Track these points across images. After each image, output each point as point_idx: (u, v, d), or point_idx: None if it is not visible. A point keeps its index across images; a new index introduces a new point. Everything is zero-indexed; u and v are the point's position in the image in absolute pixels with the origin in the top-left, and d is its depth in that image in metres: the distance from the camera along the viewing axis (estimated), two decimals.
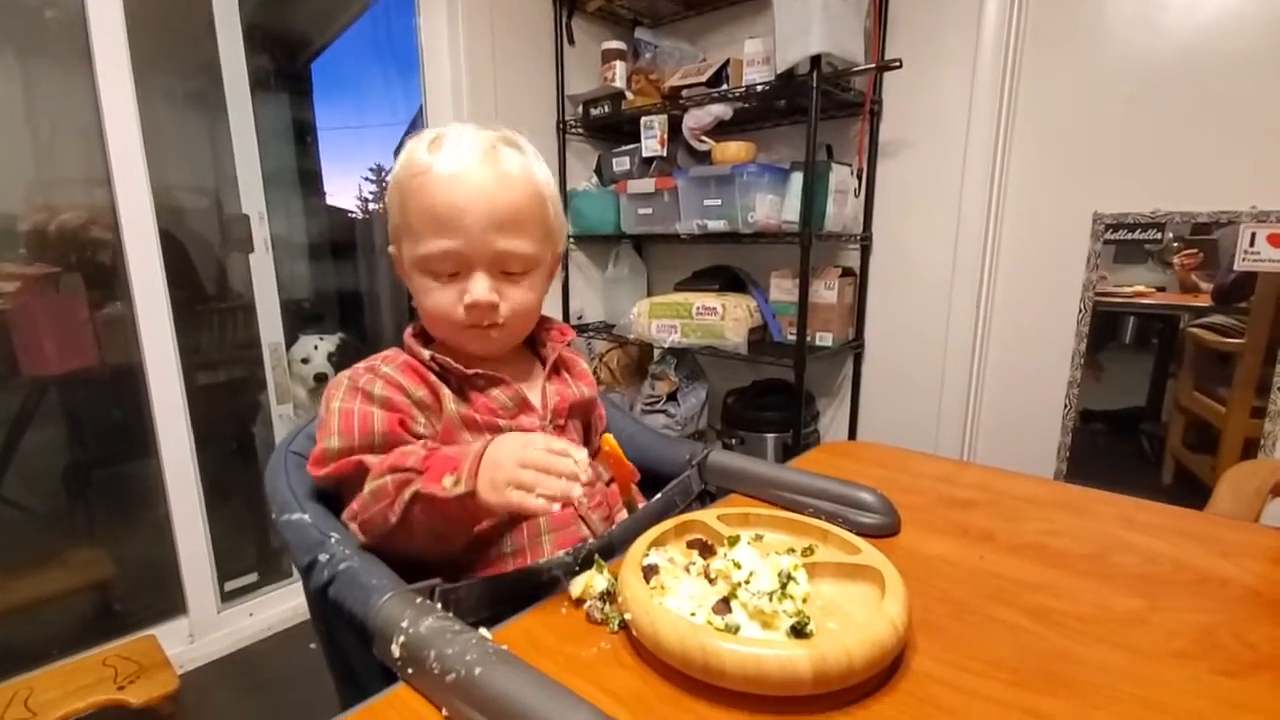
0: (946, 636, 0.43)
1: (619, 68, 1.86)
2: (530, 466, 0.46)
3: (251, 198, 1.59)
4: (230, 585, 1.59)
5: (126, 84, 1.29)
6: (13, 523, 1.45)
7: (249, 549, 1.67)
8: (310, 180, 2.03)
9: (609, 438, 0.62)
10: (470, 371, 0.61)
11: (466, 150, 0.58)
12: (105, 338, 1.45)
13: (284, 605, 1.63)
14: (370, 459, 0.53)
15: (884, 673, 0.39)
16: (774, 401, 1.79)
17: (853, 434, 1.85)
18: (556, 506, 0.45)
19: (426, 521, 0.50)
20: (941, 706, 0.37)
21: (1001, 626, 0.44)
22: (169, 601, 1.50)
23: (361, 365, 0.60)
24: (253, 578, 1.64)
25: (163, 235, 1.38)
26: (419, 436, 0.58)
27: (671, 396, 1.85)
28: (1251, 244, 1.33)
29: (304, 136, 2.00)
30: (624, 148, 1.87)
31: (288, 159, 1.95)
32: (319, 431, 0.56)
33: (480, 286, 0.58)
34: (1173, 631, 0.44)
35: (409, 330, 0.64)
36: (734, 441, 1.77)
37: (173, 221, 1.52)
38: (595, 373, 2.05)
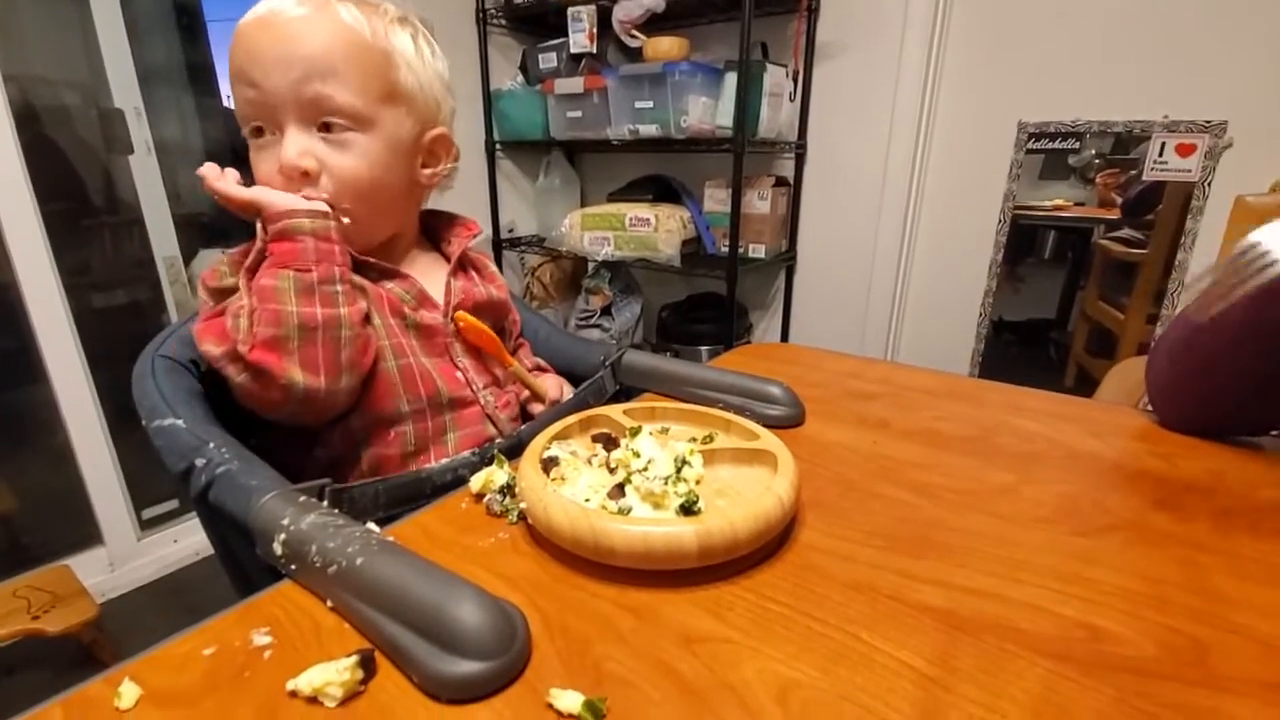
0: (832, 512, 0.45)
1: None
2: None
3: (124, 91, 1.41)
4: (149, 513, 1.54)
5: None
6: None
7: (166, 475, 1.60)
8: (203, 76, 1.81)
9: (462, 313, 0.60)
10: (360, 258, 0.56)
11: None
12: None
13: None
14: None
15: (771, 545, 0.41)
16: (708, 315, 1.80)
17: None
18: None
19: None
20: (820, 572, 0.39)
21: (884, 501, 0.46)
22: (81, 531, 1.44)
23: (237, 251, 0.55)
24: (173, 504, 1.58)
25: (33, 138, 1.23)
26: None
27: (606, 310, 1.83)
28: (1161, 154, 1.37)
29: (188, 24, 1.77)
30: (551, 42, 1.74)
31: (173, 51, 1.72)
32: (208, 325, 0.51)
33: (290, 144, 0.51)
34: (1038, 500, 0.47)
35: None
36: (668, 354, 1.78)
37: (43, 121, 1.34)
38: (528, 288, 2.00)
